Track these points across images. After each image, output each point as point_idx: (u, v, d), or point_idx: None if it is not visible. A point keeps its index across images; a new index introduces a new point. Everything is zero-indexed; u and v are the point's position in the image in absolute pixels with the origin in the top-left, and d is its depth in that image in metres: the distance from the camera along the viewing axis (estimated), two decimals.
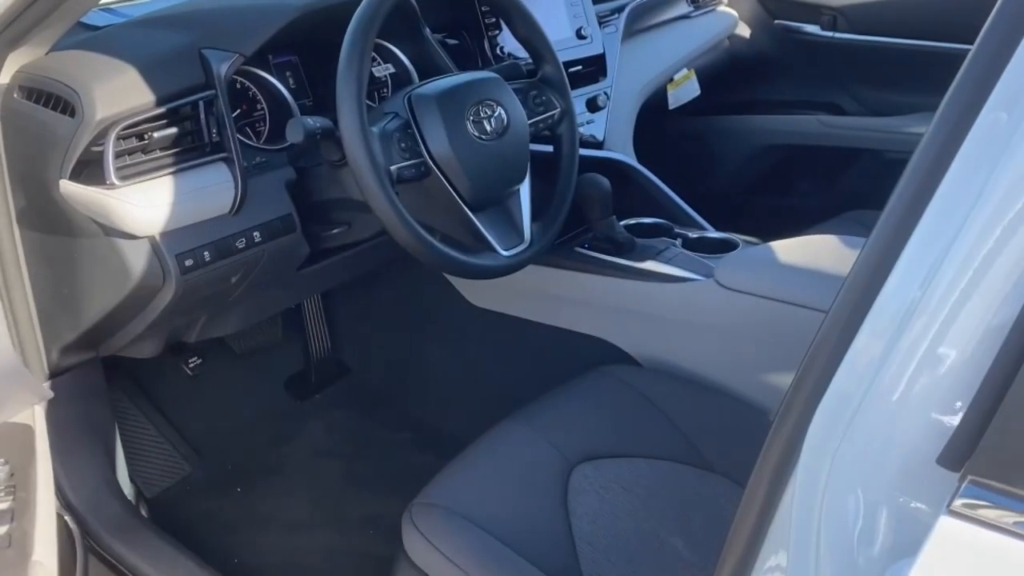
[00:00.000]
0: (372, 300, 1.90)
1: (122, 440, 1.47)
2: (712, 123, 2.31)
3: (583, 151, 1.53)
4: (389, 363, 1.89)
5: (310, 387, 1.85)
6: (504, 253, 1.17)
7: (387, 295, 1.87)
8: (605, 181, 1.43)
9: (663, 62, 1.88)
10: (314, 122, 1.07)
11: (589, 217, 1.47)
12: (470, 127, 1.12)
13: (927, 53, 1.96)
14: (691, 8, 2.03)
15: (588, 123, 1.63)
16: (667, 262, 1.44)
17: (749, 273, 1.33)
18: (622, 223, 1.61)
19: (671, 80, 1.96)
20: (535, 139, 1.22)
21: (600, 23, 1.70)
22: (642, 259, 1.46)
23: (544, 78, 1.27)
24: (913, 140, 1.92)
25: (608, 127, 1.66)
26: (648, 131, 1.85)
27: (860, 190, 2.13)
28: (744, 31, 2.21)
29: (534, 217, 1.23)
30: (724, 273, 1.35)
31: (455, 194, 1.12)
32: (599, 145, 1.64)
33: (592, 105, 1.62)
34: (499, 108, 1.15)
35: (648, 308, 1.44)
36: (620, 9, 1.78)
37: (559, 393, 1.33)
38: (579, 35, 1.62)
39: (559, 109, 1.27)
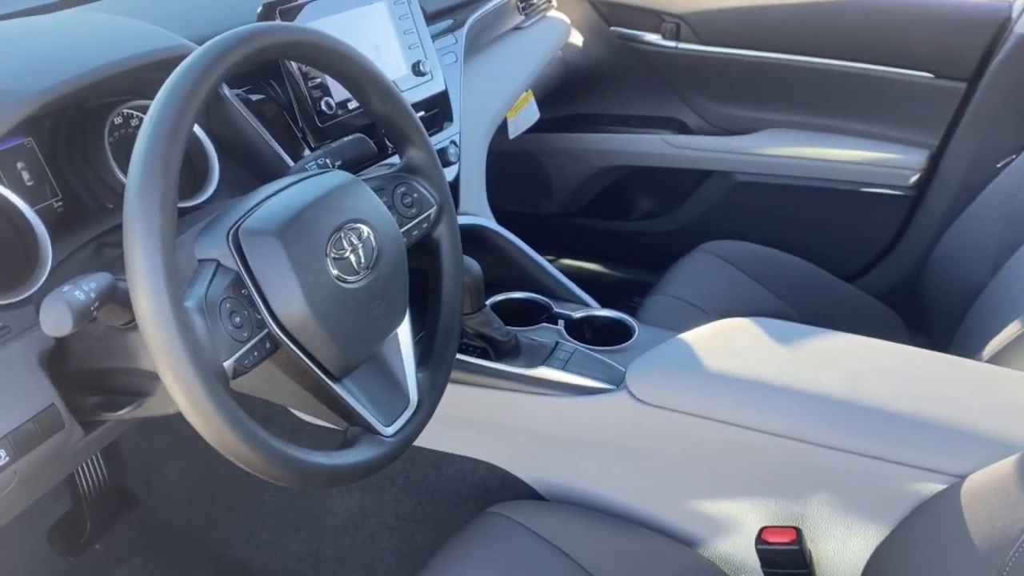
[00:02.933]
0: None
1: None
2: (545, 142, 2.05)
3: None
4: (192, 486, 1.46)
5: (84, 535, 1.40)
6: (387, 432, 0.82)
7: None
8: (475, 266, 1.12)
9: (506, 88, 1.57)
10: (84, 291, 0.66)
11: None
12: (332, 268, 0.76)
13: (775, 66, 1.80)
14: (522, 17, 1.73)
15: None
16: (564, 366, 1.16)
17: (668, 384, 1.09)
18: (490, 301, 1.31)
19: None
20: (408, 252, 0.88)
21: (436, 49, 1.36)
22: (531, 363, 1.17)
23: (412, 166, 0.93)
24: (762, 161, 1.76)
25: (462, 180, 1.33)
26: None
27: (710, 215, 1.97)
28: (577, 39, 1.95)
29: (418, 361, 0.90)
30: (638, 383, 1.10)
31: (314, 367, 0.76)
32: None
33: (442, 160, 1.28)
34: (367, 230, 0.80)
35: (547, 427, 1.16)
36: (459, 26, 1.44)
37: (442, 562, 1.03)
38: (417, 71, 1.27)
39: (435, 206, 0.94)
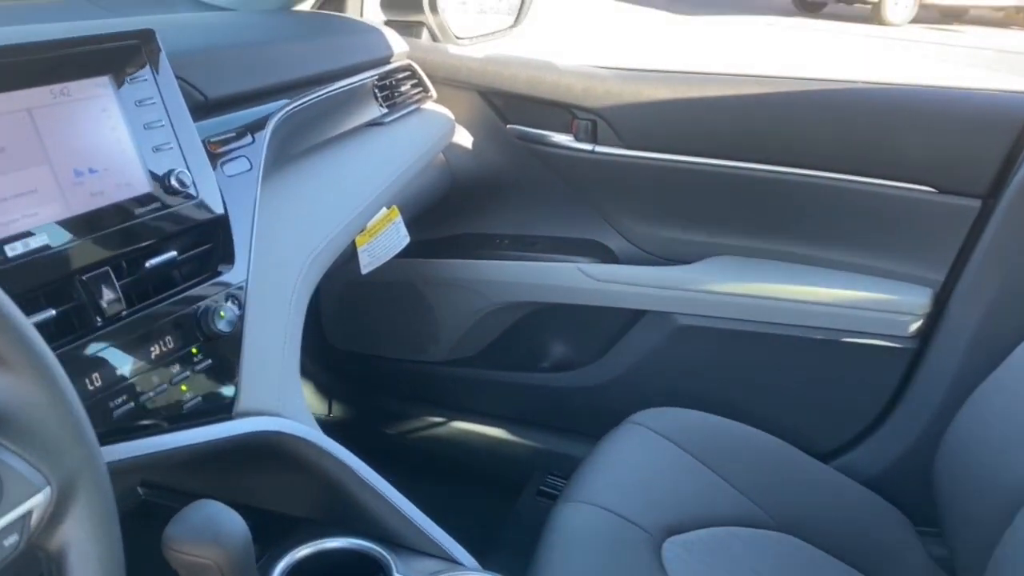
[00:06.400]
0: None
1: None
2: (428, 269, 1.58)
3: (197, 433, 0.73)
4: None
5: None
6: None
7: None
8: (236, 527, 0.62)
9: (350, 205, 1.09)
10: None
11: None
12: None
13: (723, 176, 1.38)
14: (384, 110, 1.27)
15: (199, 365, 0.79)
16: None
17: None
18: (286, 560, 0.81)
19: (362, 230, 1.18)
20: None
21: (217, 157, 0.88)
22: None
23: None
24: (710, 300, 1.22)
25: (244, 360, 0.83)
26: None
27: (643, 367, 1.51)
28: (465, 139, 1.51)
29: None
30: None
31: None
32: (227, 407, 0.80)
33: (206, 327, 0.78)
34: None
35: None
36: (257, 127, 0.96)
37: None
38: (169, 187, 0.79)
39: (43, 490, 0.42)
